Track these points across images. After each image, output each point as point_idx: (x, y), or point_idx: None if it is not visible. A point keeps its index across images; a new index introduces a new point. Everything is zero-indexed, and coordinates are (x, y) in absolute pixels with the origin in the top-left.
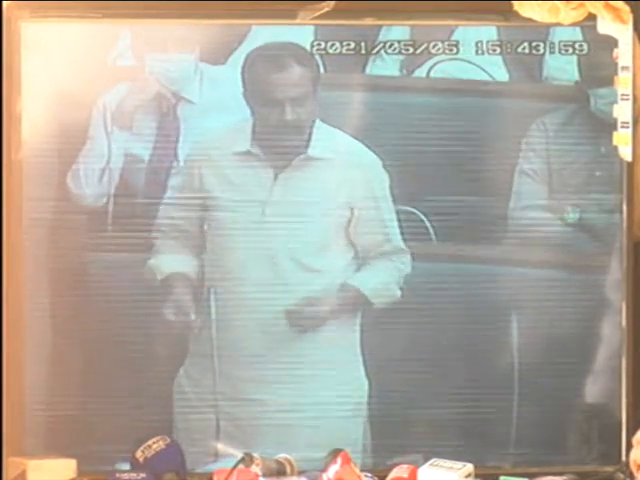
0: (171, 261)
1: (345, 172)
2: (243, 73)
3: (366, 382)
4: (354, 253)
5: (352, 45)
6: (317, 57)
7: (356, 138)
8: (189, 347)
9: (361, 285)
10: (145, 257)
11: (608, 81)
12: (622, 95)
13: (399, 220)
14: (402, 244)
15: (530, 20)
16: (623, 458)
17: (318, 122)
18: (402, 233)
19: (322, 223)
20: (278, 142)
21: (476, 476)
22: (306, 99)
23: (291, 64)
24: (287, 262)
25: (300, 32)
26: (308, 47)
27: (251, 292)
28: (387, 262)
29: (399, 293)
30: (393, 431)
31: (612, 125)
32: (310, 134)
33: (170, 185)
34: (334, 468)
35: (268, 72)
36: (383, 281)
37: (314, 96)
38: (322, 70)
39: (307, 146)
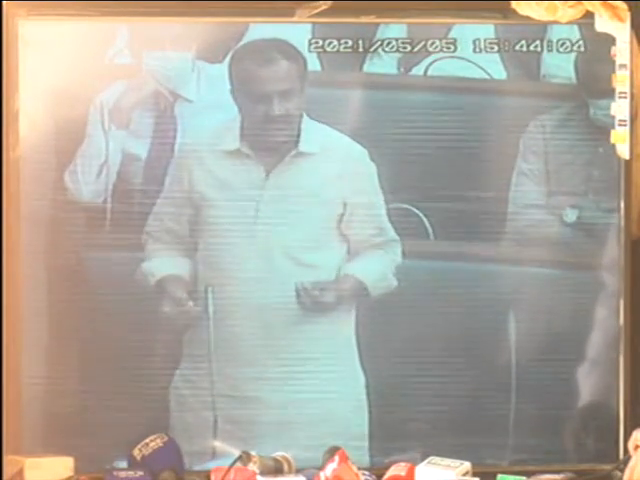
0: (163, 264)
1: (337, 167)
2: (230, 70)
3: (363, 379)
4: (347, 248)
5: (349, 43)
6: (314, 55)
7: (352, 135)
8: (187, 345)
9: (358, 272)
10: (142, 256)
11: (606, 79)
12: (620, 93)
13: (393, 217)
14: (395, 236)
15: (528, 18)
16: (621, 456)
17: (306, 118)
18: (396, 229)
19: (315, 218)
20: (267, 139)
21: (474, 474)
22: (293, 94)
23: (278, 58)
24: (282, 259)
25: (297, 30)
26: (305, 45)
27: (247, 290)
28: (380, 251)
29: (396, 283)
30: (391, 429)
31: (610, 125)
32: (299, 130)
33: (163, 184)
34: (332, 466)
35: (255, 67)
36: (379, 270)
37: (301, 91)
38: (320, 68)
39: (297, 142)
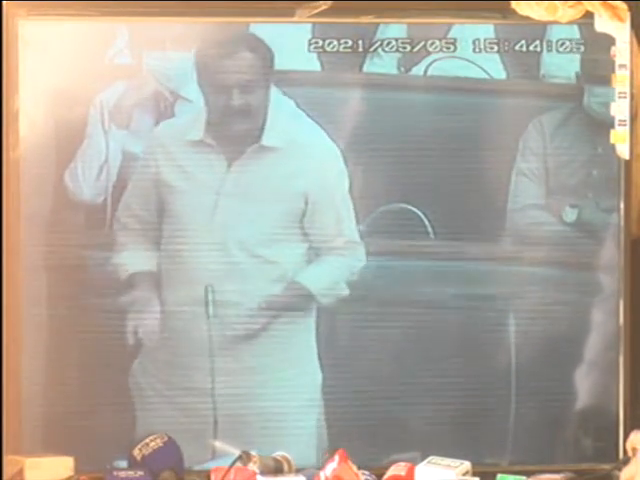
0: (134, 259)
1: (301, 164)
2: (196, 60)
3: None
4: (308, 246)
5: (349, 43)
6: (314, 55)
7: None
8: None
9: (308, 283)
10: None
11: (606, 79)
12: (619, 93)
13: (392, 217)
14: (357, 238)
15: (528, 18)
16: (620, 456)
17: (273, 112)
18: (395, 229)
19: (276, 214)
20: (228, 131)
21: (473, 474)
22: (255, 86)
23: (241, 50)
24: (239, 253)
25: (297, 30)
26: (305, 45)
27: (207, 284)
28: (338, 257)
29: (347, 291)
30: (391, 429)
31: (609, 124)
32: (263, 124)
33: (131, 178)
34: (332, 466)
35: (218, 57)
36: (332, 279)
37: (265, 85)
38: (319, 68)
39: (260, 135)
